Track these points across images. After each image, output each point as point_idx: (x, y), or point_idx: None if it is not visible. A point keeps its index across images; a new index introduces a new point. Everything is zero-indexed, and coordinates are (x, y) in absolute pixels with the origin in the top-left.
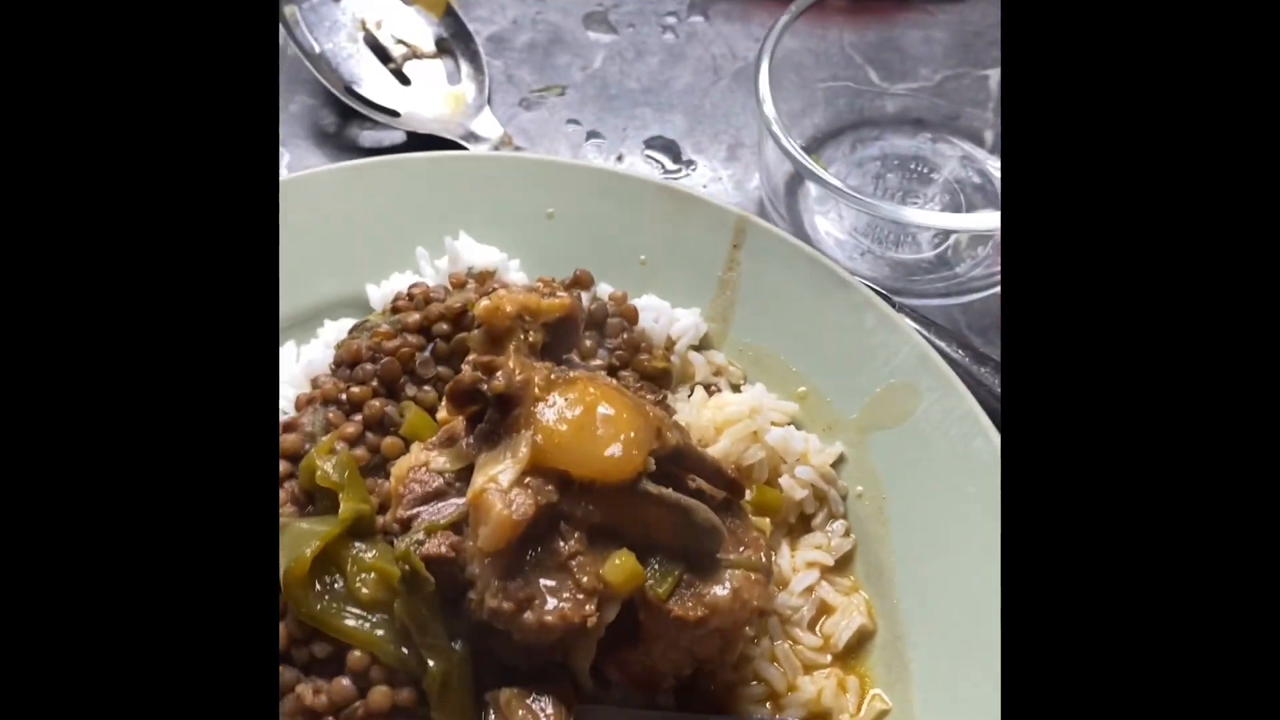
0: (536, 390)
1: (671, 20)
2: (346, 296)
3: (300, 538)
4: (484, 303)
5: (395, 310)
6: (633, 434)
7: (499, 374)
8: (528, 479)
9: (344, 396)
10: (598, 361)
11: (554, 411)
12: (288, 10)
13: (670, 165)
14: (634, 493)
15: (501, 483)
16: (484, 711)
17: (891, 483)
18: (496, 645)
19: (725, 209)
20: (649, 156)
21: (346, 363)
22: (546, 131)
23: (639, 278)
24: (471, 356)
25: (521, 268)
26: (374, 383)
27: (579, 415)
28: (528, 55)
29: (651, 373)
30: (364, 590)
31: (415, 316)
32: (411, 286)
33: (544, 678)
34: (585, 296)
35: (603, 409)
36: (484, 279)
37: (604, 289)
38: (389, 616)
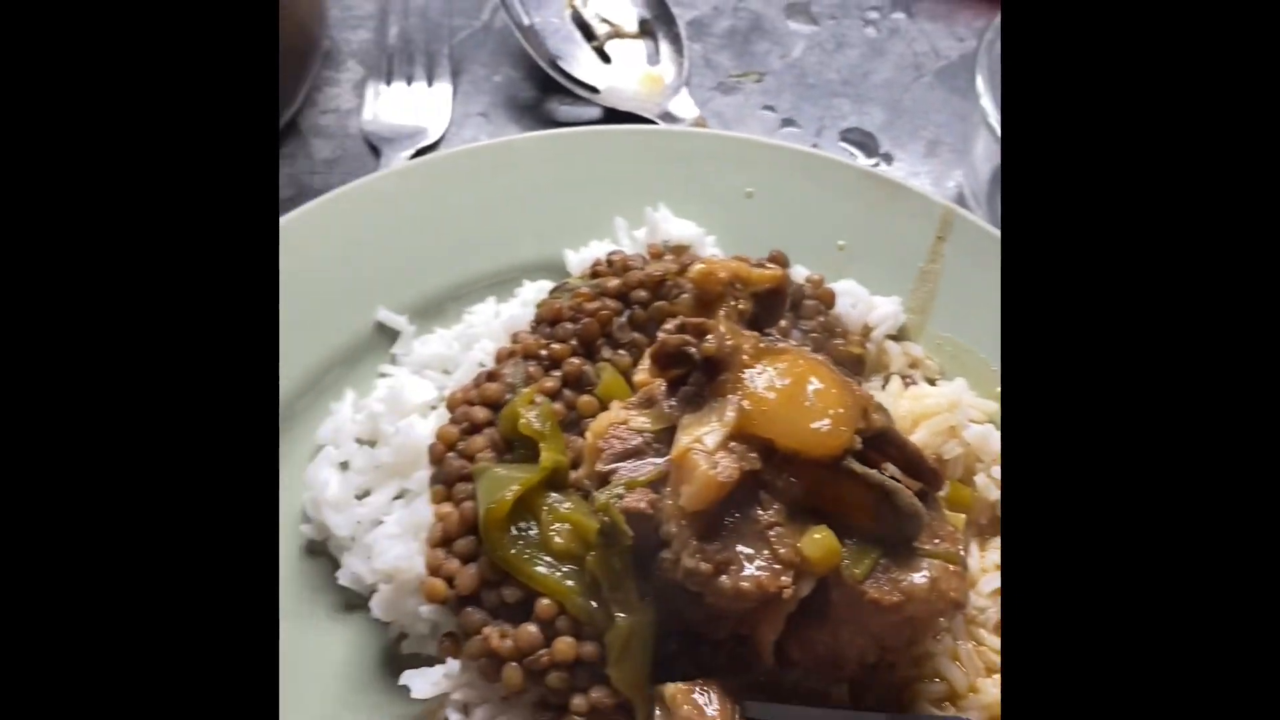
0: (745, 357)
1: (874, 15)
2: (544, 260)
3: (498, 482)
4: (698, 266)
5: (595, 275)
6: (841, 410)
7: (710, 337)
8: (732, 444)
9: (544, 352)
10: (792, 342)
11: (763, 379)
12: None
13: (865, 159)
14: (837, 469)
15: (707, 444)
16: (651, 706)
17: None
18: (685, 608)
19: (932, 199)
20: (844, 147)
21: (548, 320)
22: (742, 116)
23: (836, 263)
24: (678, 319)
25: (718, 244)
26: (573, 342)
27: (788, 386)
28: (728, 41)
29: (845, 358)
30: (557, 539)
31: (615, 282)
32: (610, 253)
33: (721, 651)
34: None
35: (812, 382)
36: (680, 252)
37: (799, 271)
38: (579, 569)
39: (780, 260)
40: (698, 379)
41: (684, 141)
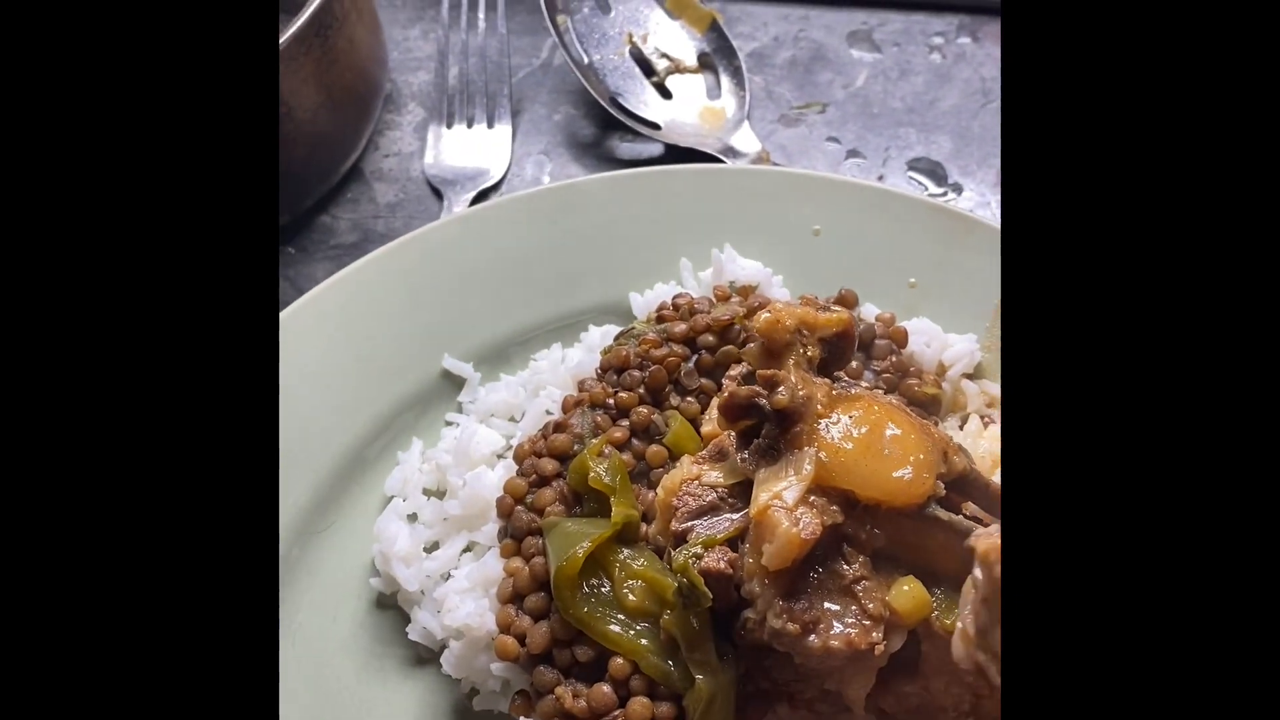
0: (819, 407)
1: (939, 40)
2: (610, 303)
3: (570, 537)
4: (764, 315)
5: (660, 319)
6: (921, 456)
7: (781, 388)
8: (812, 498)
9: (611, 401)
10: (864, 384)
11: (838, 429)
12: (561, 20)
13: (934, 188)
14: (921, 517)
15: (786, 500)
16: None
17: None
18: (772, 667)
19: None
20: (912, 178)
21: (614, 368)
22: (805, 149)
23: (908, 300)
24: (740, 367)
25: (785, 284)
26: (640, 390)
27: (864, 434)
28: (789, 72)
29: (920, 399)
30: (631, 597)
31: (681, 326)
32: (676, 296)
33: (813, 709)
34: None
35: (889, 428)
36: (747, 293)
37: (869, 310)
38: (653, 626)
39: (849, 299)
40: (770, 431)
41: (748, 179)
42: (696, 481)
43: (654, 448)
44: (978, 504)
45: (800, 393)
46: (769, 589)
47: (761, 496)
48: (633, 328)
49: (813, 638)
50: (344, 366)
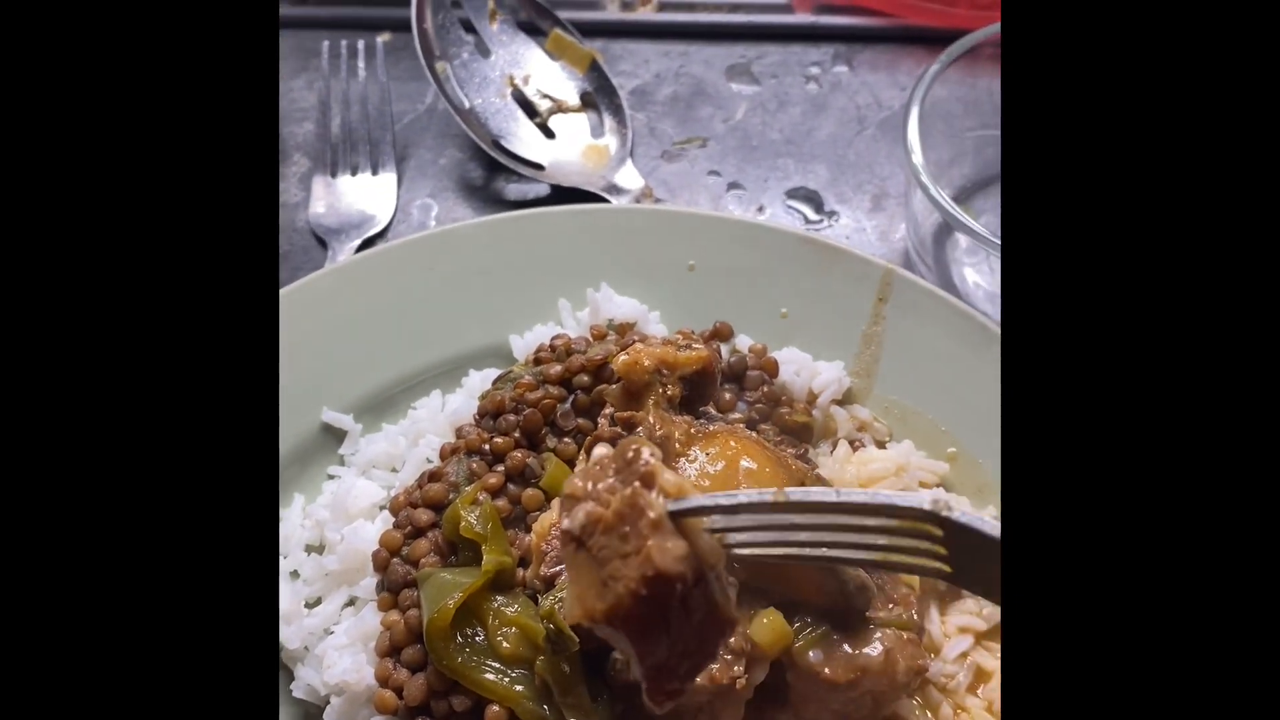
0: (677, 445)
1: (815, 70)
2: (491, 346)
3: (443, 588)
4: (622, 358)
5: (537, 361)
6: (778, 484)
7: (639, 429)
8: None
9: (487, 447)
10: (737, 415)
11: (695, 467)
12: (440, 67)
13: (813, 216)
14: None
15: None
16: None
17: None
18: (643, 707)
19: (870, 260)
20: (791, 207)
21: (490, 413)
22: (688, 183)
23: (780, 330)
24: (609, 410)
25: (662, 320)
26: (516, 434)
27: (720, 470)
28: (670, 108)
29: (792, 427)
30: (505, 644)
31: (557, 368)
32: (554, 338)
33: None
34: (725, 349)
35: (745, 463)
36: (624, 330)
37: (744, 341)
38: (529, 672)
39: (724, 332)
40: None
41: (624, 218)
42: None
43: (529, 491)
44: None
45: (659, 432)
46: None
47: None
48: (510, 371)
49: None
50: None
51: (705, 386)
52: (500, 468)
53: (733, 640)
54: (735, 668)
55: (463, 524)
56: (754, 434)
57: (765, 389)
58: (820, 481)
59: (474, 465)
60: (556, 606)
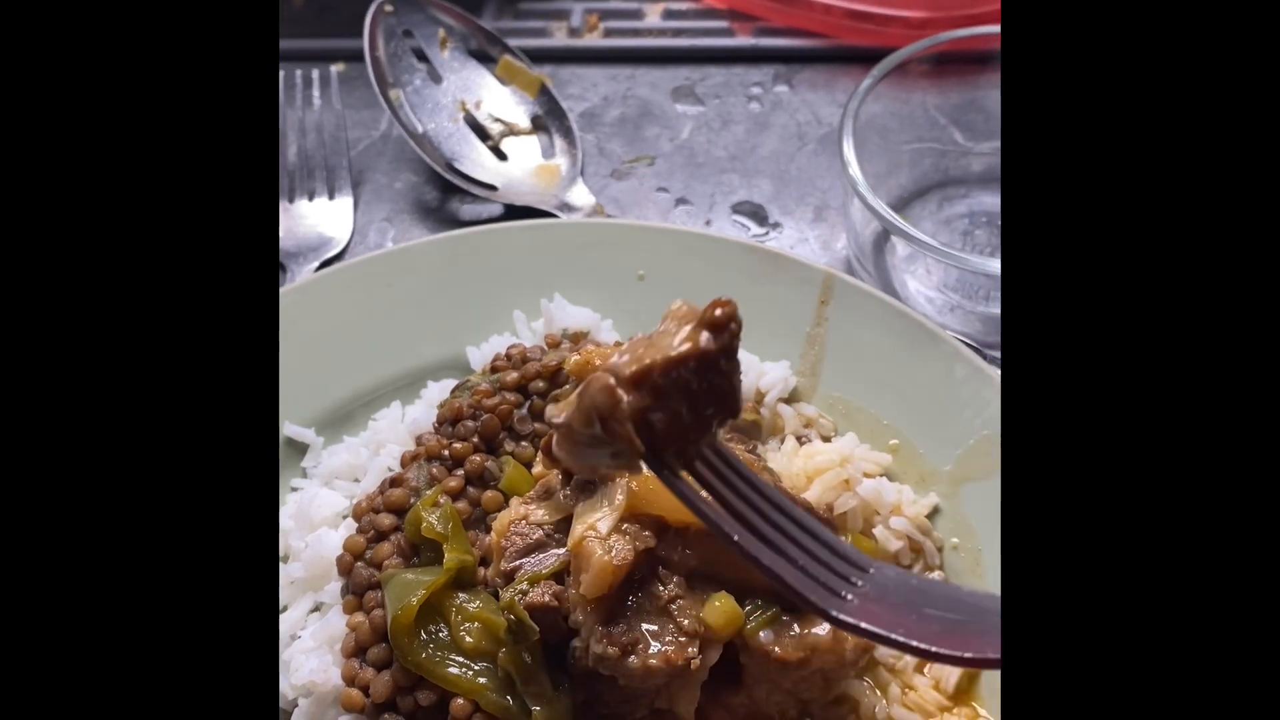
0: None
1: (757, 90)
2: (448, 359)
3: (406, 587)
4: (575, 358)
5: (494, 370)
6: None
7: None
8: (625, 525)
9: (446, 453)
10: None
11: None
12: (393, 94)
13: (757, 228)
14: None
15: (600, 530)
16: None
17: (987, 534)
18: (603, 691)
19: (812, 266)
20: (736, 220)
21: (449, 420)
22: (637, 200)
23: None
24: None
25: (614, 328)
26: (475, 439)
27: None
28: (618, 129)
29: (741, 425)
30: (468, 639)
31: (513, 375)
32: (509, 347)
33: None
34: None
35: None
36: (578, 339)
37: None
38: (492, 665)
39: None
40: None
41: (575, 232)
42: (524, 521)
43: (489, 493)
44: None
45: None
46: (591, 616)
47: (577, 529)
48: (468, 380)
49: (632, 659)
50: None
51: None
52: (460, 472)
53: (686, 623)
54: (689, 649)
55: (424, 525)
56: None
57: None
58: (768, 474)
59: (434, 470)
60: (517, 599)
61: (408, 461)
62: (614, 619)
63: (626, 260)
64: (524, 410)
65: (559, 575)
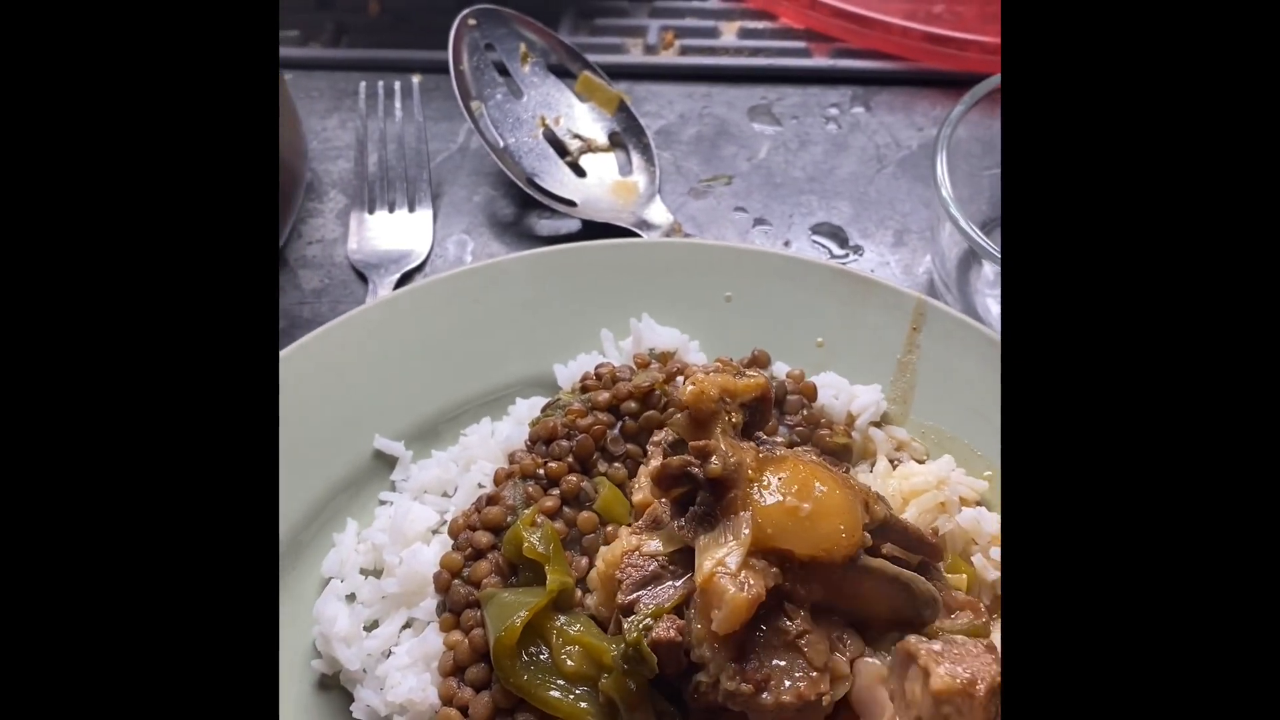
0: (750, 472)
1: (834, 111)
2: (535, 375)
3: (507, 607)
4: (689, 388)
5: (585, 389)
6: (849, 510)
7: (714, 458)
8: (752, 560)
9: (541, 471)
10: (779, 438)
11: (770, 492)
12: (474, 106)
13: (837, 250)
14: (852, 568)
15: (729, 566)
16: None
17: None
18: None
19: (904, 292)
20: (816, 241)
21: (542, 439)
22: (715, 219)
23: (816, 359)
24: (665, 433)
25: (701, 348)
26: (569, 459)
27: (795, 494)
28: (695, 147)
29: (832, 448)
30: (569, 662)
31: (605, 395)
32: (599, 366)
33: None
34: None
35: (816, 486)
36: (666, 359)
37: (780, 368)
38: (592, 690)
39: (761, 360)
40: (705, 498)
41: (662, 252)
42: (637, 552)
43: (584, 514)
44: (897, 544)
45: (731, 459)
46: (720, 653)
47: (705, 564)
48: (558, 399)
49: (766, 695)
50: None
51: (763, 413)
52: (555, 491)
53: (815, 657)
54: (821, 685)
55: (525, 545)
56: (814, 457)
57: (805, 412)
58: (881, 499)
59: (529, 489)
60: (641, 634)
61: (501, 479)
62: (745, 654)
63: (713, 281)
64: (616, 431)
65: (679, 608)
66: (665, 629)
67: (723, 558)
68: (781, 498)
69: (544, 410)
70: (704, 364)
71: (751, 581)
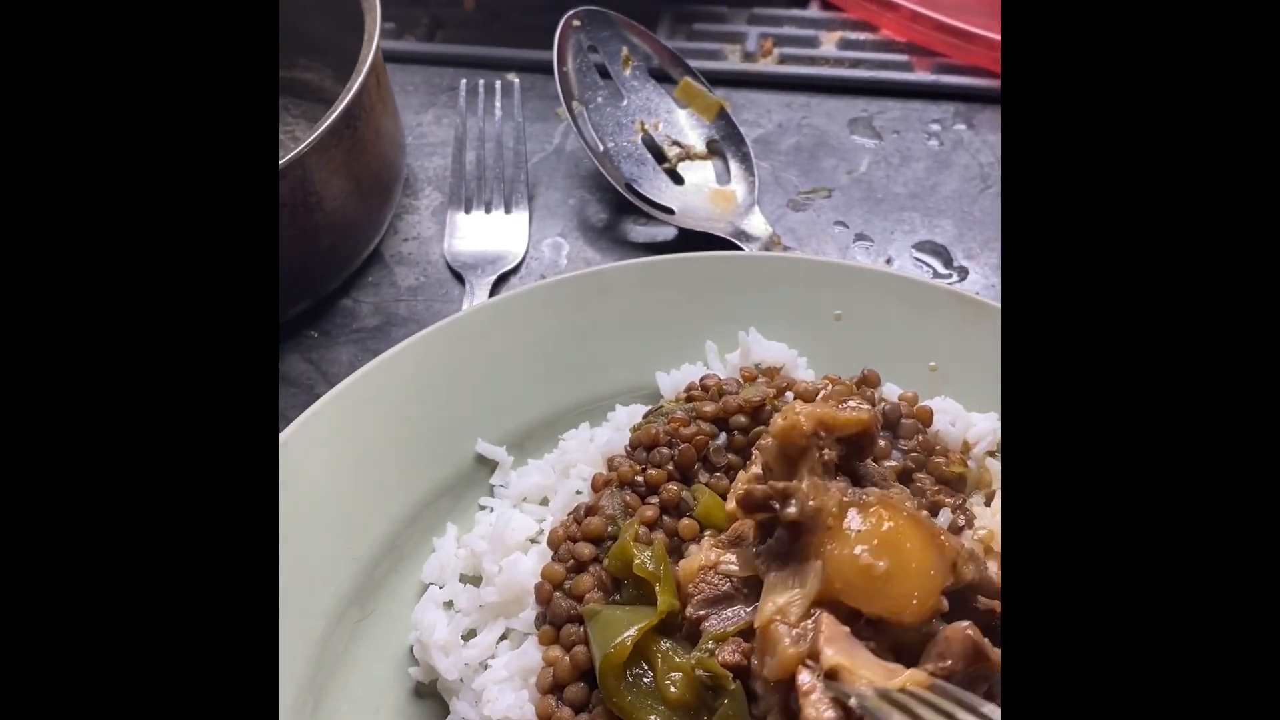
0: (830, 519)
1: (936, 128)
2: (637, 384)
3: (614, 625)
4: (779, 420)
5: (689, 399)
6: (930, 573)
7: (793, 502)
8: (814, 610)
9: (641, 479)
10: (892, 463)
11: (846, 546)
12: (575, 108)
13: (941, 269)
14: (922, 632)
15: (790, 616)
16: None
17: None
18: None
19: None
20: (919, 260)
21: (643, 445)
22: (814, 232)
23: (928, 383)
24: (754, 461)
25: (809, 365)
26: (670, 467)
27: (872, 550)
28: (794, 158)
29: (948, 477)
30: (672, 689)
31: (710, 406)
32: (704, 377)
33: None
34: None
35: (900, 544)
36: (772, 374)
37: (891, 390)
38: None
39: (872, 380)
40: (782, 536)
41: (768, 266)
42: (713, 570)
43: (685, 522)
44: (986, 596)
45: (810, 504)
46: (771, 696)
47: (767, 608)
48: (661, 406)
49: None
50: (382, 453)
51: (864, 448)
52: (654, 499)
53: None
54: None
55: (636, 562)
56: (909, 501)
57: (920, 438)
58: (971, 560)
59: (628, 497)
60: (706, 656)
61: (599, 486)
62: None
63: (822, 298)
64: (719, 441)
65: (745, 633)
66: (731, 653)
67: (785, 604)
68: (858, 552)
69: (646, 417)
70: (812, 381)
71: (807, 638)
